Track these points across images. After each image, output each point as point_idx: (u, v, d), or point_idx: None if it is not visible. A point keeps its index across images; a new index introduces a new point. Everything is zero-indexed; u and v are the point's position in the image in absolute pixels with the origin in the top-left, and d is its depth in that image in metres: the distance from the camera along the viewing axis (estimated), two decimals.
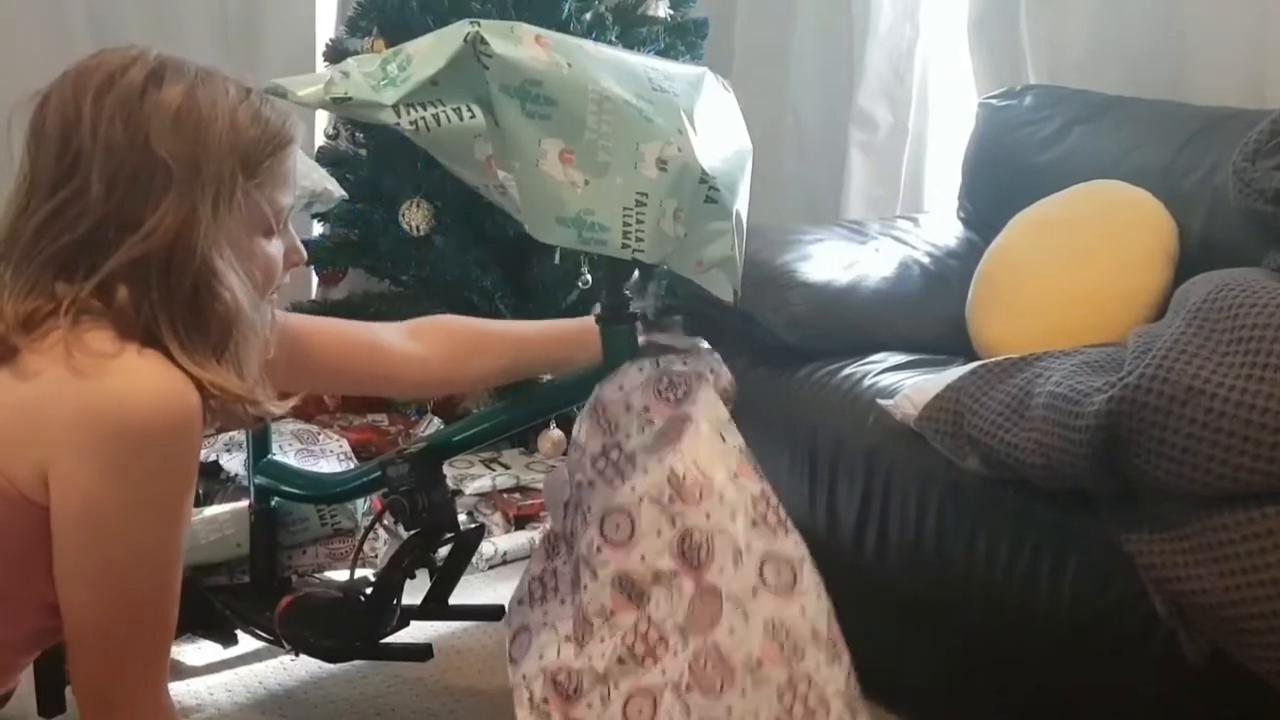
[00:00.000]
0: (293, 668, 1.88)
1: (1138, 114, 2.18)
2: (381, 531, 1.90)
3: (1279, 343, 1.34)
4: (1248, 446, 1.30)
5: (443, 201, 2.59)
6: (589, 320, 1.51)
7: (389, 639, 1.65)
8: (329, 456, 1.99)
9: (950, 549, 1.65)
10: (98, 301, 1.04)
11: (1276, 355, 1.33)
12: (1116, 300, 1.91)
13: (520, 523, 2.45)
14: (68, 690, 1.55)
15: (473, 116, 1.27)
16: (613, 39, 2.60)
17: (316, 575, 1.80)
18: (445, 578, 1.69)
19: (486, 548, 2.31)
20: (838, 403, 1.89)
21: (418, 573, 1.64)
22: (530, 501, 2.46)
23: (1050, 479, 1.50)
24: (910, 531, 1.71)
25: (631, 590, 1.31)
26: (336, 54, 2.71)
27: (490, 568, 2.30)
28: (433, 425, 2.58)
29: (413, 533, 1.60)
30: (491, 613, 1.69)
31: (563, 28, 2.50)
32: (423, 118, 1.23)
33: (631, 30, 2.71)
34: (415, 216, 2.57)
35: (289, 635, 1.60)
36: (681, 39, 2.79)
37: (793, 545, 1.27)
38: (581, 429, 1.40)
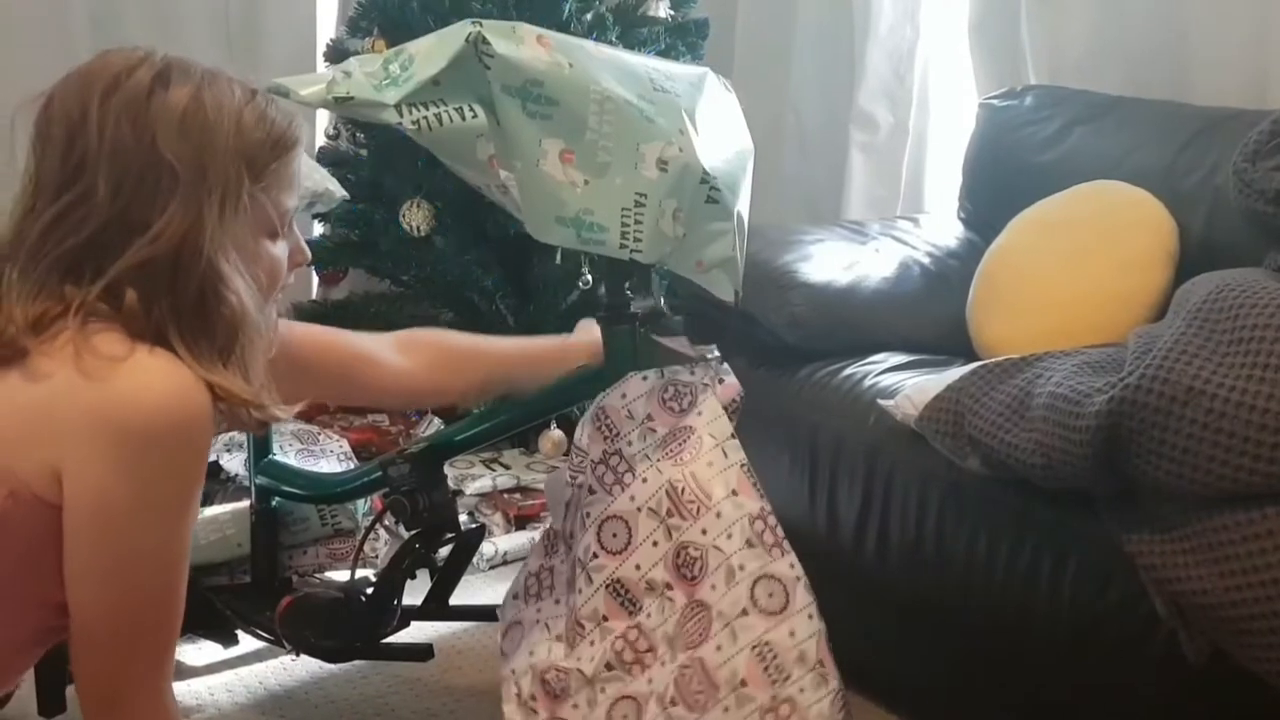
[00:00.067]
0: (293, 668, 1.88)
1: (1138, 114, 2.18)
2: (382, 532, 1.90)
3: (1279, 343, 1.34)
4: (1248, 447, 1.30)
5: (443, 202, 2.59)
6: (568, 339, 1.56)
7: (389, 639, 1.66)
8: (329, 456, 1.99)
9: (951, 549, 1.65)
10: (105, 305, 1.04)
11: (1277, 356, 1.33)
12: (1117, 301, 1.91)
13: (521, 523, 2.45)
14: (68, 690, 1.55)
15: (475, 116, 1.27)
16: (613, 39, 2.60)
17: (317, 575, 1.80)
18: (446, 578, 1.69)
19: (487, 548, 2.31)
20: (838, 403, 1.89)
21: (418, 573, 1.64)
22: (531, 502, 2.46)
23: (1051, 479, 1.50)
24: (911, 532, 1.71)
25: (625, 597, 1.32)
26: (337, 54, 2.72)
27: (491, 568, 2.30)
28: (433, 425, 2.58)
29: (413, 533, 1.60)
30: (492, 613, 1.68)
31: (563, 28, 2.50)
32: (425, 117, 1.23)
33: (632, 30, 2.71)
34: (416, 217, 2.57)
35: (289, 635, 1.61)
36: (682, 39, 2.79)
37: (787, 566, 1.27)
38: (584, 433, 1.40)
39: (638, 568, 1.31)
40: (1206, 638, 1.36)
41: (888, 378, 1.88)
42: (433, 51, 1.24)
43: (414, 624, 1.71)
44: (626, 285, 1.45)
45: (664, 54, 2.64)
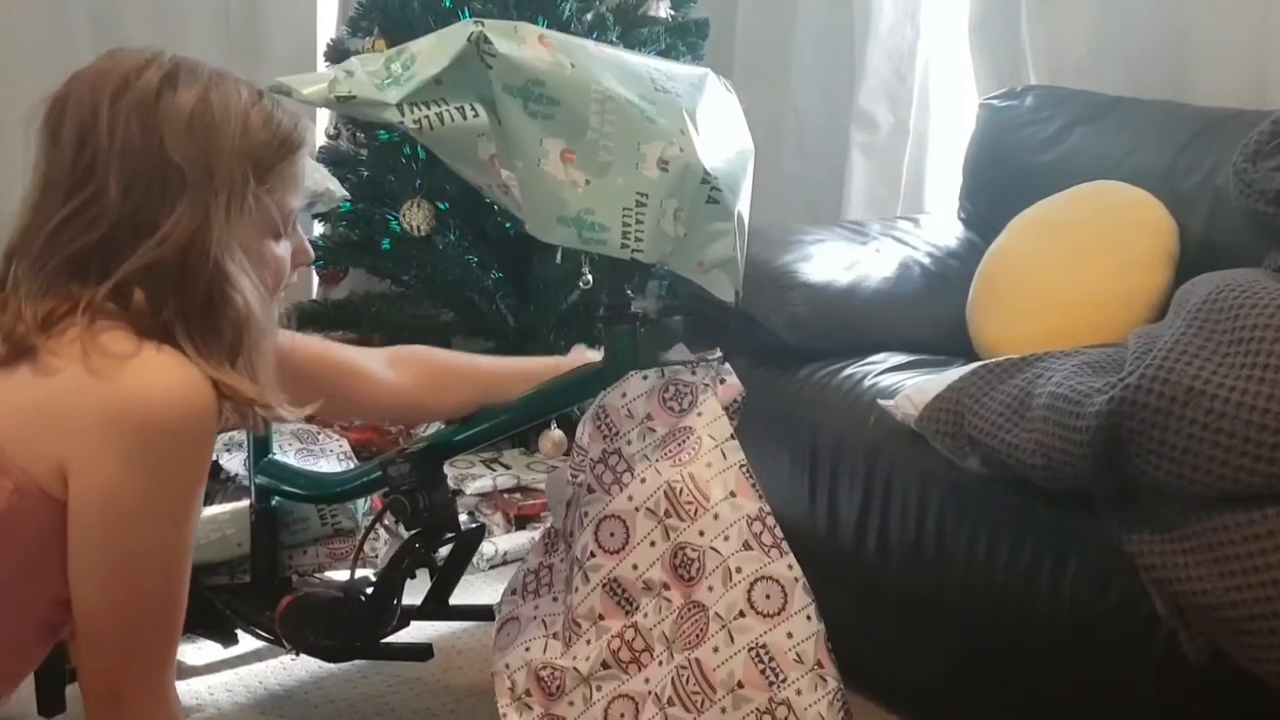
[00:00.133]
0: (293, 667, 1.88)
1: (1138, 115, 2.18)
2: (382, 531, 1.90)
3: (1279, 343, 1.34)
4: (1248, 447, 1.30)
5: (444, 201, 2.60)
6: (557, 359, 1.58)
7: (389, 639, 1.66)
8: (329, 456, 1.99)
9: (951, 549, 1.65)
10: (113, 304, 1.05)
11: (1277, 356, 1.33)
12: (1117, 301, 1.91)
13: (521, 523, 2.45)
14: (68, 689, 1.55)
15: (476, 116, 1.27)
16: (614, 39, 2.60)
17: (317, 575, 1.80)
18: (446, 578, 1.69)
19: (487, 548, 2.31)
20: (838, 403, 1.89)
21: (418, 572, 1.64)
22: (531, 501, 2.46)
23: (1051, 479, 1.50)
24: (911, 532, 1.71)
25: (621, 597, 1.32)
26: (338, 54, 2.72)
27: (491, 568, 2.30)
28: (433, 425, 2.58)
29: (413, 532, 1.60)
30: (491, 613, 1.68)
31: (564, 28, 2.50)
32: (426, 117, 1.24)
33: (633, 31, 2.71)
34: (416, 216, 2.57)
35: (289, 635, 1.61)
36: (682, 39, 2.79)
37: (785, 567, 1.27)
38: (584, 432, 1.40)
39: (635, 567, 1.31)
40: (1206, 638, 1.36)
41: (888, 378, 1.88)
42: (434, 51, 1.24)
43: (414, 624, 1.71)
44: (627, 285, 1.45)
45: (664, 54, 2.64)
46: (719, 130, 1.39)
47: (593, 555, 1.33)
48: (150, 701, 1.11)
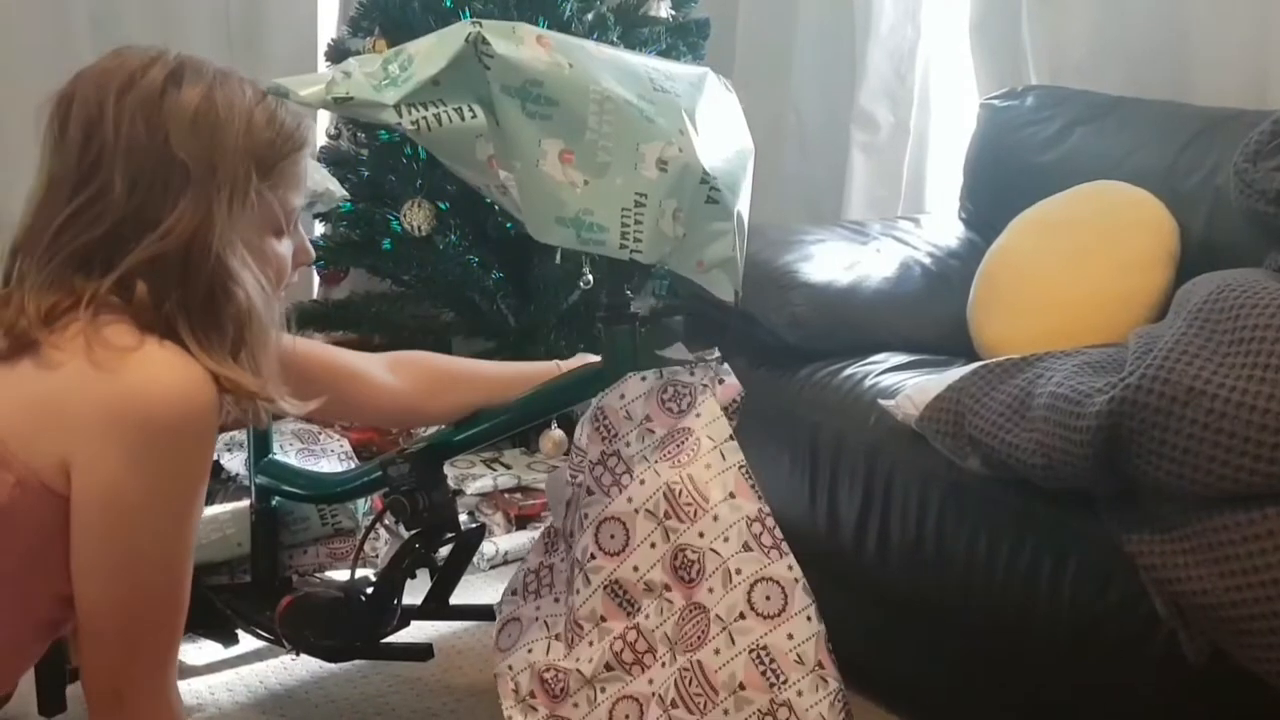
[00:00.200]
0: (293, 667, 1.88)
1: (1139, 115, 2.18)
2: (382, 531, 1.90)
3: (1279, 344, 1.34)
4: (1248, 447, 1.30)
5: (444, 201, 2.60)
6: (555, 364, 1.59)
7: (389, 639, 1.66)
8: (330, 456, 1.99)
9: (951, 549, 1.65)
10: (116, 297, 1.06)
11: (1278, 356, 1.33)
12: (1117, 301, 1.91)
13: (521, 523, 2.45)
14: (69, 689, 1.55)
15: (474, 116, 1.27)
16: (614, 39, 2.60)
17: (317, 575, 1.80)
18: (446, 577, 1.69)
19: (487, 547, 2.31)
20: (839, 403, 1.89)
21: (418, 572, 1.64)
22: (531, 501, 2.46)
23: (1051, 479, 1.50)
24: (911, 532, 1.71)
25: (623, 598, 1.32)
26: (338, 54, 2.72)
27: (491, 567, 2.30)
28: (434, 426, 2.58)
29: (413, 532, 1.60)
30: (492, 613, 1.68)
31: (565, 28, 2.50)
32: (424, 117, 1.23)
33: (633, 30, 2.71)
34: (416, 216, 2.57)
35: (290, 635, 1.61)
36: (683, 39, 2.79)
37: (785, 568, 1.27)
38: (583, 434, 1.40)
39: (635, 569, 1.31)
40: (1206, 638, 1.36)
41: (888, 378, 1.88)
42: (432, 51, 1.24)
43: (414, 623, 1.71)
44: (626, 286, 1.45)
45: (665, 54, 2.64)
46: (718, 130, 1.39)
47: (593, 557, 1.33)
48: (152, 700, 1.12)
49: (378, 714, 1.80)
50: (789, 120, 3.11)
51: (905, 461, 1.73)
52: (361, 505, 1.85)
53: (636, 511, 1.31)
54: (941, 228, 2.40)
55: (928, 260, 2.24)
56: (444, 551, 1.67)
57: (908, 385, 1.78)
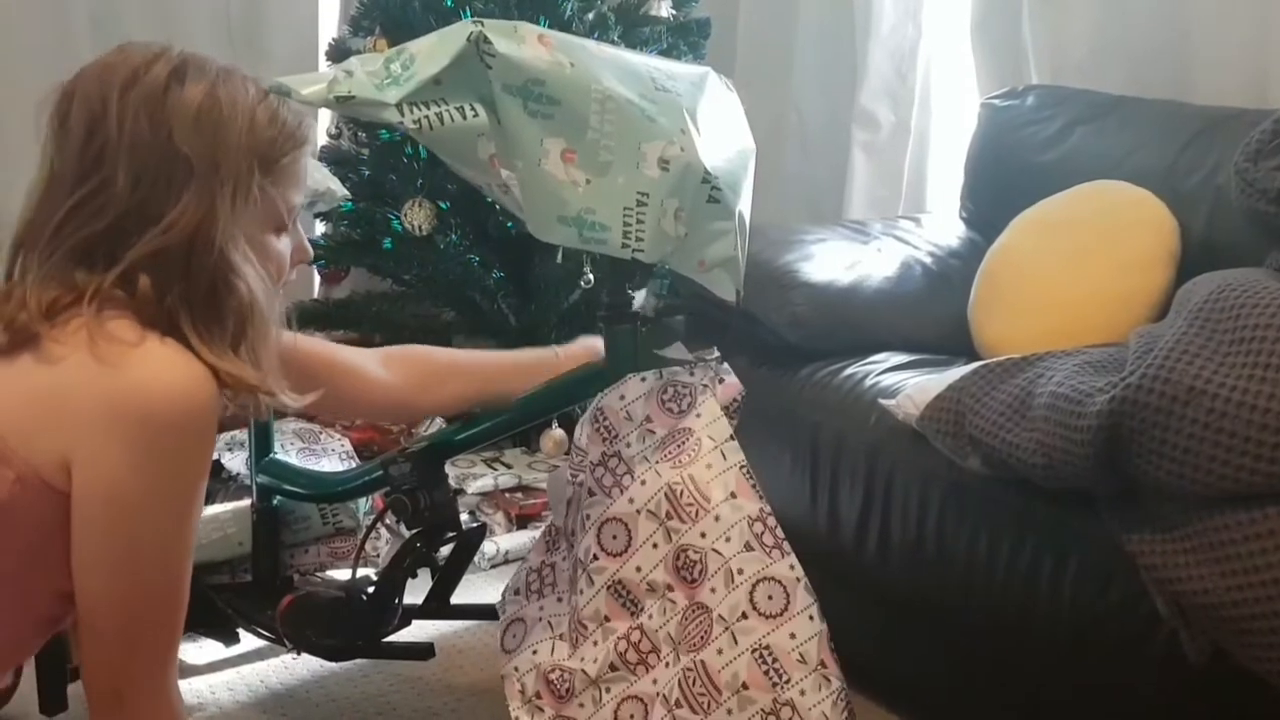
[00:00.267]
0: (294, 666, 1.88)
1: (1140, 114, 2.18)
2: (383, 530, 1.91)
3: None
4: (1249, 447, 1.30)
5: (445, 201, 2.60)
6: (560, 350, 1.58)
7: (391, 638, 1.66)
8: (331, 455, 1.99)
9: (951, 549, 1.65)
10: (120, 291, 1.06)
11: (1278, 356, 1.33)
12: (1118, 300, 1.91)
13: (522, 522, 2.45)
14: (69, 688, 1.55)
15: (476, 115, 1.27)
16: (615, 39, 2.60)
17: (318, 574, 1.80)
18: (447, 577, 1.69)
19: (488, 547, 2.31)
20: (839, 402, 1.89)
21: (419, 572, 1.64)
22: (532, 501, 2.46)
23: (1052, 479, 1.50)
24: (911, 531, 1.71)
25: (626, 598, 1.32)
26: (339, 53, 2.72)
27: (492, 567, 2.30)
28: (435, 424, 2.58)
29: (414, 532, 1.60)
30: (493, 612, 1.68)
31: (566, 27, 2.50)
32: (426, 116, 1.24)
33: (634, 30, 2.71)
34: (417, 216, 2.57)
35: (291, 634, 1.61)
36: (684, 39, 2.79)
37: (787, 567, 1.27)
38: (583, 434, 1.40)
39: (638, 570, 1.31)
40: (1208, 637, 1.36)
41: (889, 377, 1.88)
42: (434, 50, 1.24)
43: (415, 623, 1.71)
44: (628, 285, 1.45)
45: (666, 53, 2.64)
46: (720, 129, 1.39)
47: (596, 558, 1.33)
48: (153, 699, 1.12)
49: (379, 713, 1.80)
50: (790, 120, 3.11)
51: (906, 461, 1.73)
52: (363, 504, 1.85)
53: (638, 512, 1.31)
54: (942, 227, 2.40)
55: (928, 260, 2.24)
56: (445, 551, 1.67)
57: (908, 385, 1.78)
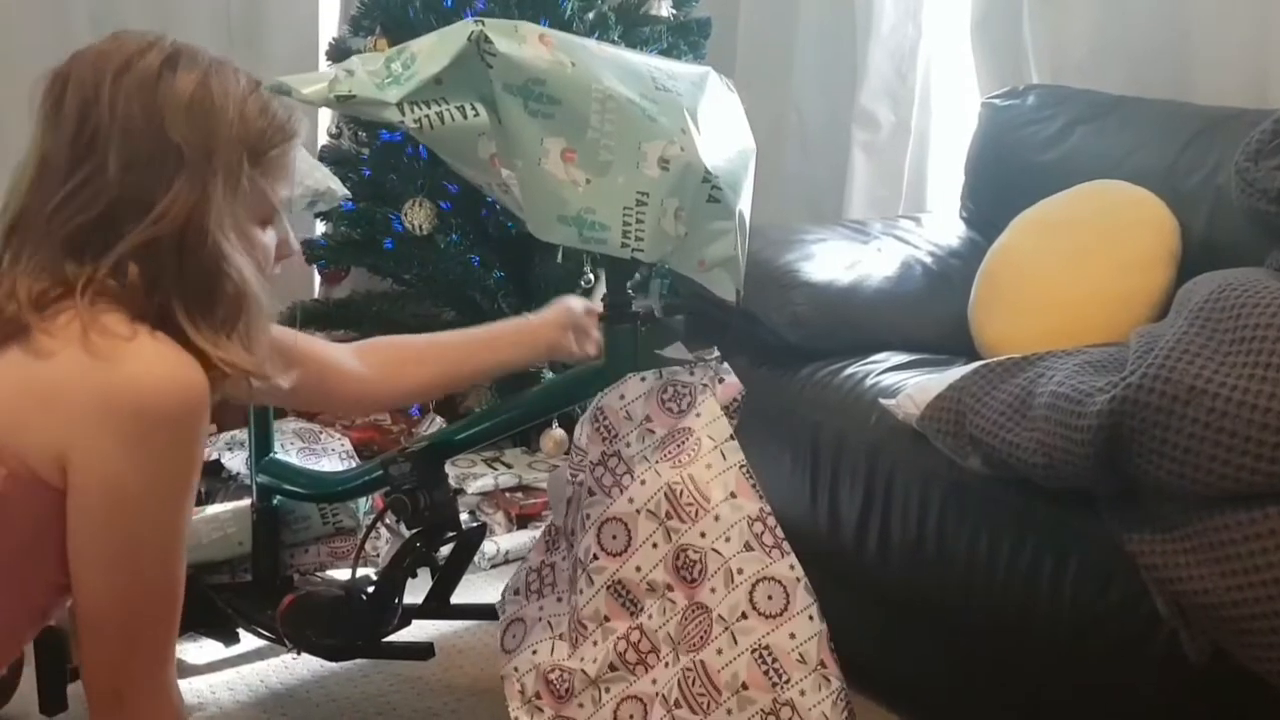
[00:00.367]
0: (294, 666, 1.88)
1: (1140, 114, 2.18)
2: (383, 530, 1.91)
3: None
4: (1250, 447, 1.30)
5: (446, 201, 2.60)
6: (530, 318, 1.56)
7: (391, 638, 1.66)
8: (331, 455, 1.99)
9: (952, 548, 1.65)
10: (113, 281, 1.06)
11: (1279, 355, 1.33)
12: (1118, 300, 1.91)
13: (522, 522, 2.45)
14: (69, 688, 1.55)
15: (476, 115, 1.27)
16: (615, 38, 2.60)
17: (318, 574, 1.81)
18: (447, 577, 1.69)
19: (488, 547, 2.31)
20: (840, 402, 1.89)
21: (419, 571, 1.64)
22: (532, 500, 2.46)
23: (1052, 479, 1.50)
24: (912, 531, 1.71)
25: (626, 598, 1.32)
26: (339, 53, 2.72)
27: (492, 566, 2.30)
28: (435, 424, 2.59)
29: (414, 531, 1.60)
30: (493, 612, 1.68)
31: (566, 27, 2.50)
32: (426, 116, 1.24)
33: (634, 29, 2.71)
34: (418, 215, 2.57)
35: (291, 634, 1.61)
36: (684, 38, 2.79)
37: (787, 567, 1.27)
38: (582, 434, 1.40)
39: (638, 569, 1.31)
40: (1208, 637, 1.36)
41: (889, 377, 1.88)
42: (435, 50, 1.24)
43: (415, 622, 1.71)
44: (628, 285, 1.45)
45: (666, 53, 2.64)
46: (720, 129, 1.39)
47: (595, 557, 1.33)
48: (153, 698, 1.12)
49: (379, 713, 1.80)
50: (790, 119, 3.11)
51: (906, 461, 1.73)
52: (363, 504, 1.86)
53: (638, 512, 1.31)
54: (943, 227, 2.40)
55: (929, 259, 2.24)
56: (445, 550, 1.67)
57: (909, 384, 1.78)
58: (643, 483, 1.32)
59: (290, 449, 1.91)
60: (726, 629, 1.26)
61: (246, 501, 1.77)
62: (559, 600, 1.44)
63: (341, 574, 1.78)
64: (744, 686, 1.24)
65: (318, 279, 2.95)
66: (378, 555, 1.94)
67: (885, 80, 2.90)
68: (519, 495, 2.49)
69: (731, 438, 1.33)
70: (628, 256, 1.29)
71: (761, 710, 1.23)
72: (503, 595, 1.52)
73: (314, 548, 1.80)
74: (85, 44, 1.15)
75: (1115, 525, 1.45)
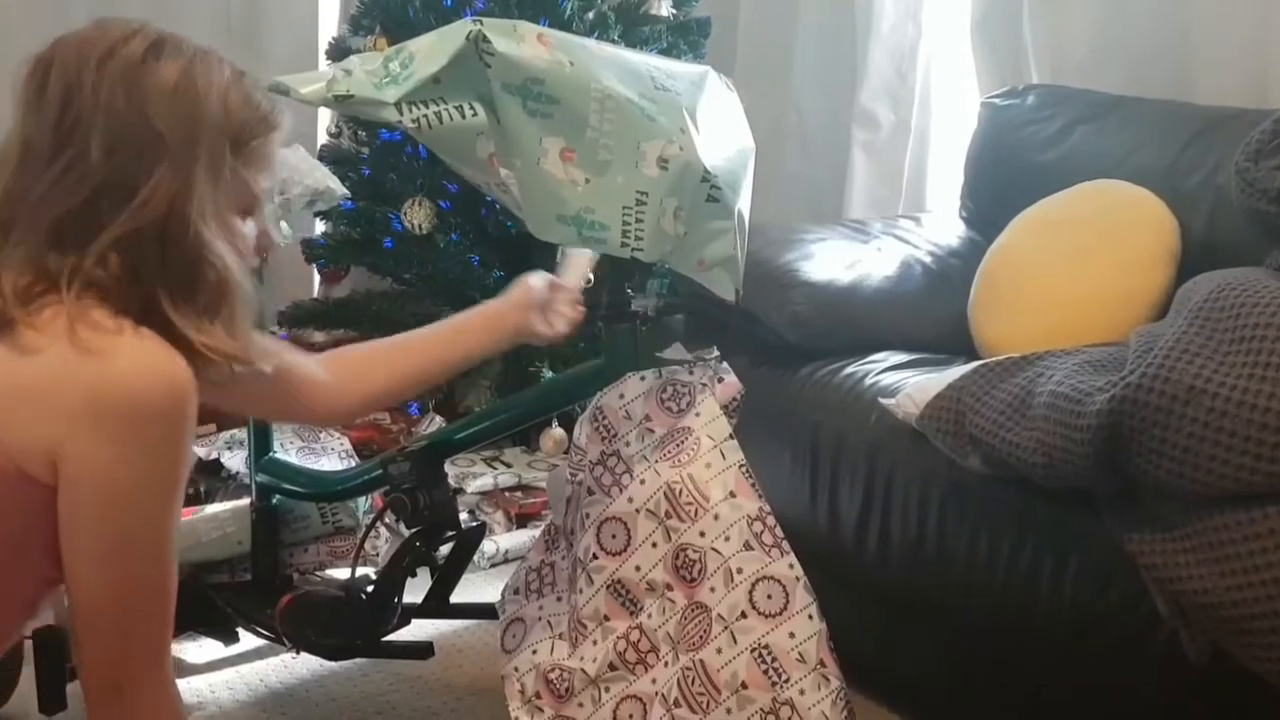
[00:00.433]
0: (294, 665, 1.88)
1: (1140, 114, 2.18)
2: (383, 529, 1.90)
3: None
4: (1249, 446, 1.30)
5: (445, 200, 2.60)
6: (494, 302, 1.53)
7: (390, 637, 1.66)
8: (330, 454, 1.99)
9: (951, 548, 1.65)
10: (99, 270, 1.06)
11: (1278, 355, 1.33)
12: (1118, 300, 1.91)
13: (522, 521, 2.45)
14: (69, 687, 1.55)
15: (475, 114, 1.27)
16: (615, 38, 2.60)
17: (318, 573, 1.81)
18: (446, 576, 1.69)
19: (488, 546, 2.31)
20: (839, 401, 1.89)
21: (419, 571, 1.64)
22: (532, 500, 2.46)
23: (1052, 478, 1.50)
24: (912, 531, 1.71)
25: (625, 598, 1.32)
26: (339, 52, 2.72)
27: (492, 566, 2.30)
28: (434, 423, 2.59)
29: (414, 531, 1.60)
30: (493, 611, 1.68)
31: (566, 26, 2.50)
32: (425, 115, 1.24)
33: (634, 29, 2.71)
34: (417, 215, 2.57)
35: (290, 633, 1.61)
36: (684, 38, 2.79)
37: (786, 567, 1.27)
38: (582, 433, 1.40)
39: (638, 569, 1.31)
40: (1208, 637, 1.36)
41: (889, 376, 1.88)
42: (433, 49, 1.24)
43: (415, 622, 1.71)
44: (627, 284, 1.45)
45: (666, 52, 2.64)
46: (719, 128, 1.39)
47: (595, 557, 1.33)
48: (152, 695, 1.12)
49: (378, 712, 1.80)
50: (790, 119, 3.11)
51: (906, 460, 1.73)
52: (362, 503, 1.86)
53: (637, 511, 1.31)
54: (942, 226, 2.40)
55: (928, 259, 2.24)
56: (444, 550, 1.67)
57: (908, 384, 1.78)
58: (642, 482, 1.32)
59: (289, 448, 1.91)
60: (726, 628, 1.26)
61: (246, 501, 1.77)
62: (559, 600, 1.44)
63: (341, 573, 1.78)
64: (743, 686, 1.24)
65: (317, 278, 2.95)
66: (377, 554, 1.94)
67: (885, 80, 2.90)
68: (518, 494, 2.49)
69: (731, 437, 1.33)
70: (627, 256, 1.29)
71: (761, 709, 1.23)
72: (502, 595, 1.52)
73: (313, 547, 1.80)
74: None
75: (1115, 525, 1.45)
